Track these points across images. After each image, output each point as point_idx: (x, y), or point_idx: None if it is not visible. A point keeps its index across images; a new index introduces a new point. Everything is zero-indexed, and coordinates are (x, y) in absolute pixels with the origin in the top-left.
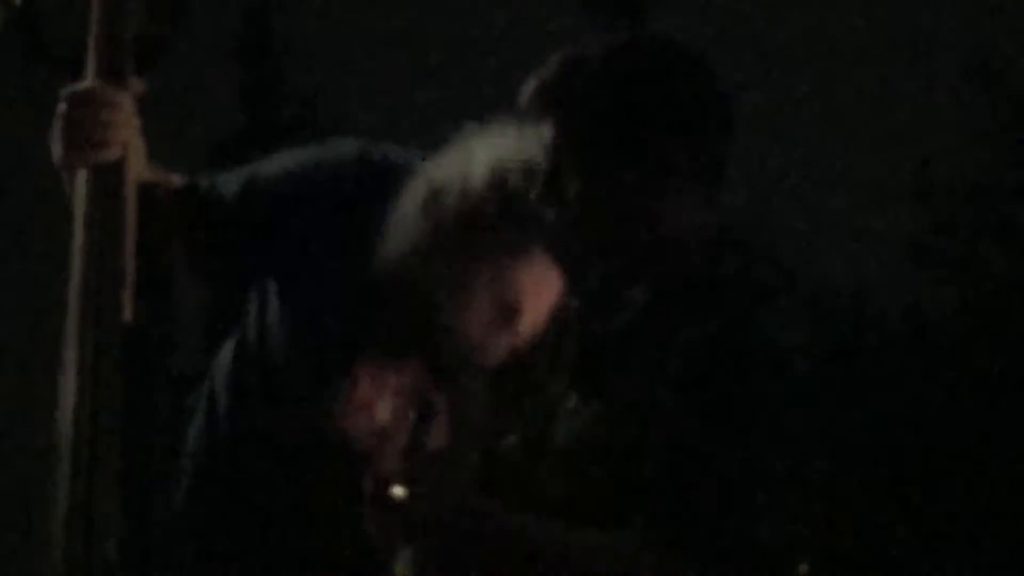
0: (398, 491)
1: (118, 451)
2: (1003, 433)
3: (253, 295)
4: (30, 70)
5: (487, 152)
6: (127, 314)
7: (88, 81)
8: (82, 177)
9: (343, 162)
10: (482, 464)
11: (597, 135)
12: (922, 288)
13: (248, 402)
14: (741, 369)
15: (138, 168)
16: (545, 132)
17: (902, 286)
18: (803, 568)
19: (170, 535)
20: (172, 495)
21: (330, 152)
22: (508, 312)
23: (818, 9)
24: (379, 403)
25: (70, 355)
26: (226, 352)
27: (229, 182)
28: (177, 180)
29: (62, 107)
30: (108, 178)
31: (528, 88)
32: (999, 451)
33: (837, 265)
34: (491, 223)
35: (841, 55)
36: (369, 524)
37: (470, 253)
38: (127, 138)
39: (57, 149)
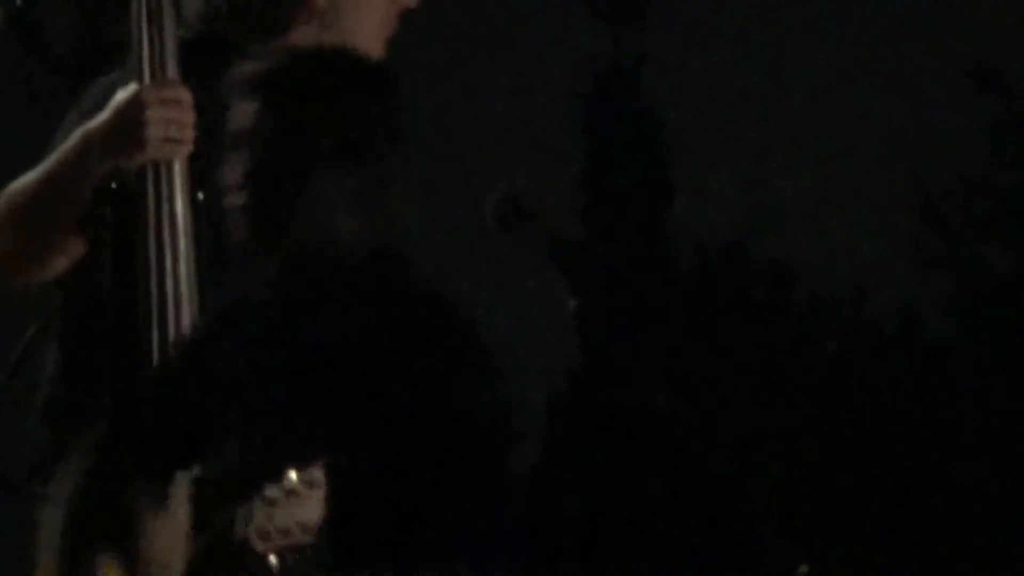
0: None
1: None
2: (1002, 433)
3: None
4: (30, 69)
5: None
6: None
7: (168, 82)
8: (177, 168)
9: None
10: None
11: None
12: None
13: None
14: None
15: None
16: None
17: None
18: (803, 568)
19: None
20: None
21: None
22: None
23: (816, 12)
24: None
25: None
26: None
27: None
28: None
29: (145, 104)
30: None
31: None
32: (998, 451)
33: (836, 264)
34: None
35: (838, 56)
36: None
37: None
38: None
39: (136, 142)
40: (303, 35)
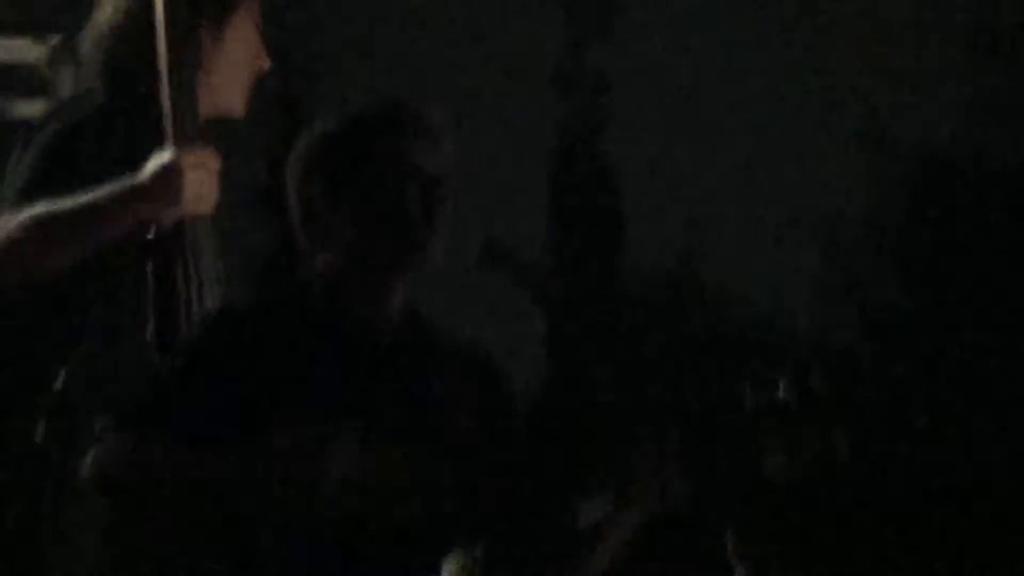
0: None
1: None
2: (976, 425)
3: None
4: None
5: None
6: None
7: (201, 152)
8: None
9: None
10: None
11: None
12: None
13: None
14: None
15: None
16: None
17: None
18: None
19: None
20: None
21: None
22: None
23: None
24: None
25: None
26: None
27: None
28: None
29: (182, 170)
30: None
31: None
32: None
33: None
34: None
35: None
36: None
37: None
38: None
39: (175, 199)
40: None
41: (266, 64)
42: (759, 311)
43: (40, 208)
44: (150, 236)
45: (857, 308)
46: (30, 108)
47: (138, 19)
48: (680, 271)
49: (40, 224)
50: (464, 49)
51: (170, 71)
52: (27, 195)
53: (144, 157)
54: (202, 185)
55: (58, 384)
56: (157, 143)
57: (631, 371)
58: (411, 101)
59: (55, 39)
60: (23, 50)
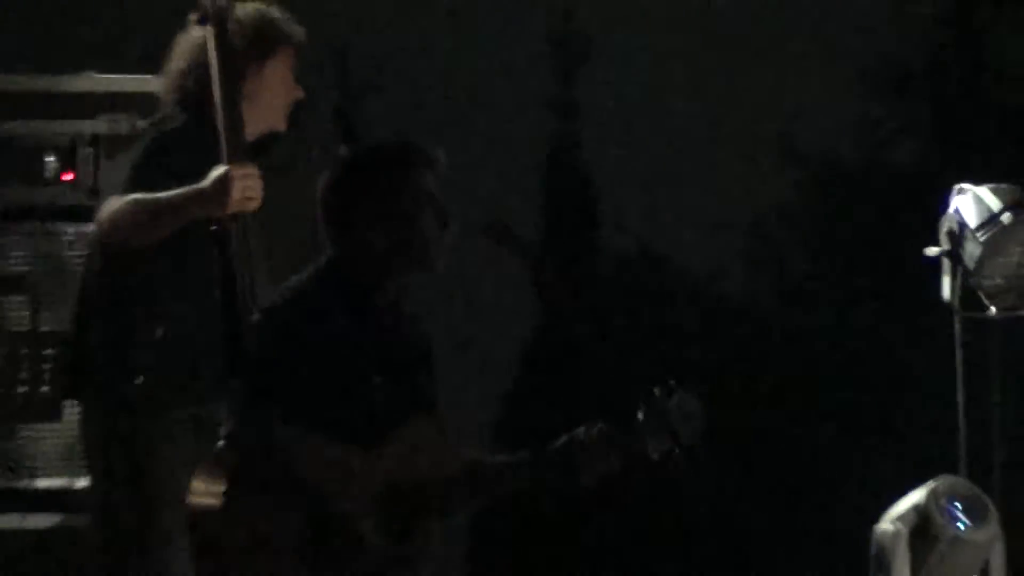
0: None
1: None
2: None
3: None
4: None
5: None
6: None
7: (246, 166)
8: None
9: None
10: None
11: None
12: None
13: None
14: None
15: None
16: None
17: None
18: None
19: None
20: None
21: None
22: None
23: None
24: None
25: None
26: None
27: None
28: None
29: (231, 179)
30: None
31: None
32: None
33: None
34: None
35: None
36: None
37: None
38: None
39: (226, 201)
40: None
41: (300, 94)
42: (699, 280)
43: (137, 195)
44: (213, 227)
45: (771, 276)
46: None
47: (200, 65)
48: (640, 253)
49: (136, 206)
50: (465, 77)
51: (223, 105)
52: (130, 185)
53: (208, 164)
54: (247, 191)
55: (159, 335)
56: (216, 155)
57: (613, 331)
58: (419, 141)
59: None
60: (144, 82)
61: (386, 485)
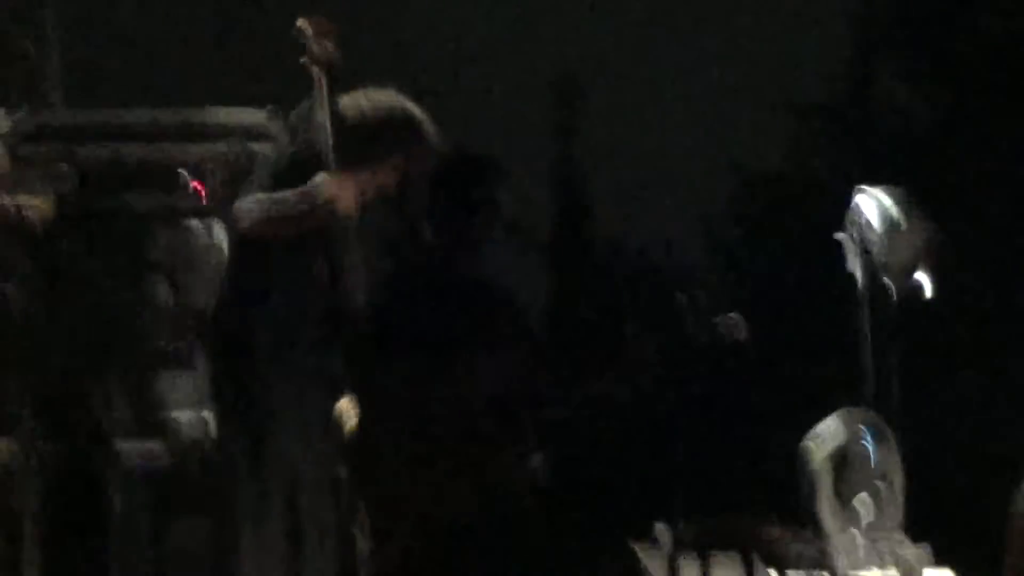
0: None
1: None
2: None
3: None
4: None
5: None
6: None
7: (343, 175)
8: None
9: None
10: None
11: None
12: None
13: None
14: None
15: None
16: None
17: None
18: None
19: None
20: None
21: None
22: None
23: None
24: None
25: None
26: None
27: None
28: None
29: (329, 186)
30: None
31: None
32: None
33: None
34: None
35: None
36: None
37: None
38: None
39: (318, 201)
40: None
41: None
42: (672, 271)
43: (260, 195)
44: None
45: (723, 258)
46: (259, 147)
47: (321, 123)
48: (625, 246)
49: (258, 203)
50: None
51: (334, 148)
52: (257, 188)
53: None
54: (343, 194)
55: (276, 312)
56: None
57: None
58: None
59: (269, 108)
60: (253, 115)
61: None
